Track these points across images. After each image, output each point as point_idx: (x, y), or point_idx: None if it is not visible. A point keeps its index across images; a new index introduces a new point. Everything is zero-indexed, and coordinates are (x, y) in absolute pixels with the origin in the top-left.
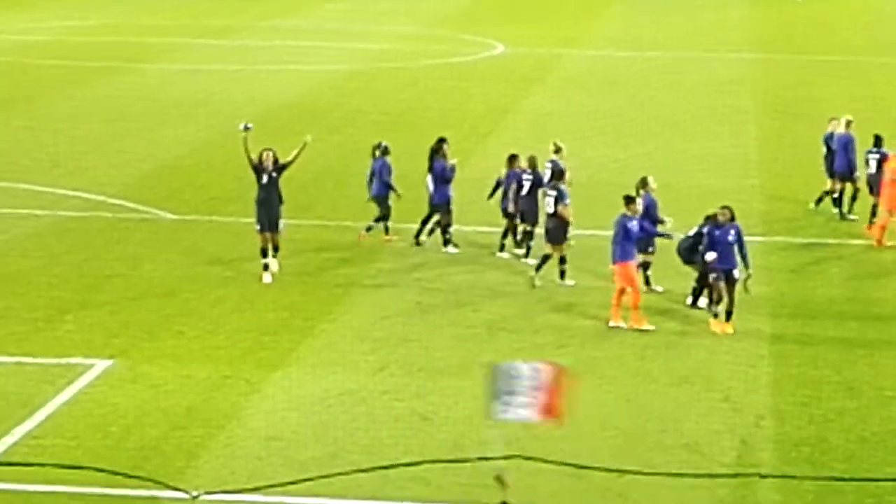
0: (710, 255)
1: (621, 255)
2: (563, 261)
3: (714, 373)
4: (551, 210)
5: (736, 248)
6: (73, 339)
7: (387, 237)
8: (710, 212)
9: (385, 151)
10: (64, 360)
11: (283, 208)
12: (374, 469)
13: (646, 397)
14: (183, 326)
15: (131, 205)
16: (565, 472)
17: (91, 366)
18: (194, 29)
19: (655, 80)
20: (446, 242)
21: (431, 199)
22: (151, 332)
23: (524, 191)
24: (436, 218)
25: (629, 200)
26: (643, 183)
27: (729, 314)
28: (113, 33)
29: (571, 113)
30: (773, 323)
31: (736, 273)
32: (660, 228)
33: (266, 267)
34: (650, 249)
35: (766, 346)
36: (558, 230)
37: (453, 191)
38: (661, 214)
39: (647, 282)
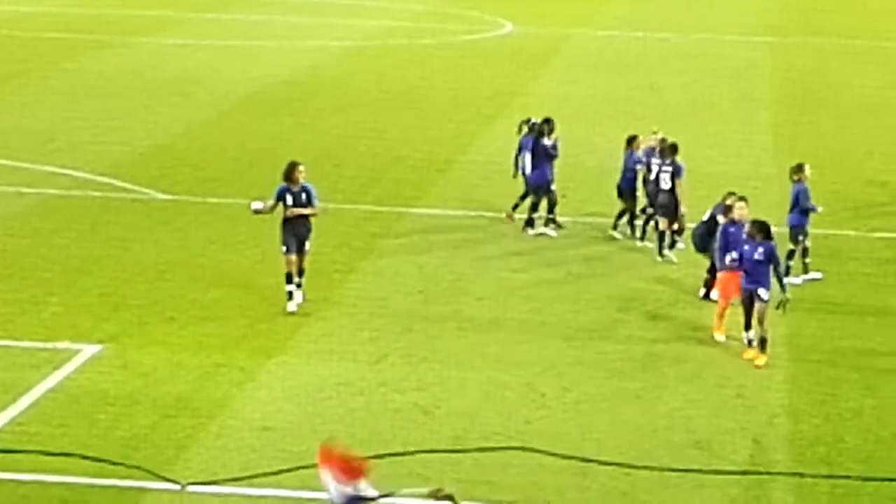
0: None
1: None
2: (670, 235)
3: (727, 369)
4: (667, 186)
5: (768, 267)
6: (60, 322)
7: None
8: (726, 192)
9: (532, 128)
10: (50, 345)
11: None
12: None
13: (655, 393)
14: (174, 312)
15: (121, 184)
16: (569, 469)
17: (78, 351)
18: (191, 2)
19: (667, 63)
20: (530, 223)
21: (528, 179)
22: (141, 317)
23: (652, 175)
24: (531, 199)
25: (727, 210)
26: (798, 168)
27: (763, 342)
28: (108, 6)
29: (581, 96)
30: (789, 318)
31: (763, 293)
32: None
33: (290, 295)
34: (801, 238)
35: (781, 341)
36: (672, 205)
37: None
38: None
39: None
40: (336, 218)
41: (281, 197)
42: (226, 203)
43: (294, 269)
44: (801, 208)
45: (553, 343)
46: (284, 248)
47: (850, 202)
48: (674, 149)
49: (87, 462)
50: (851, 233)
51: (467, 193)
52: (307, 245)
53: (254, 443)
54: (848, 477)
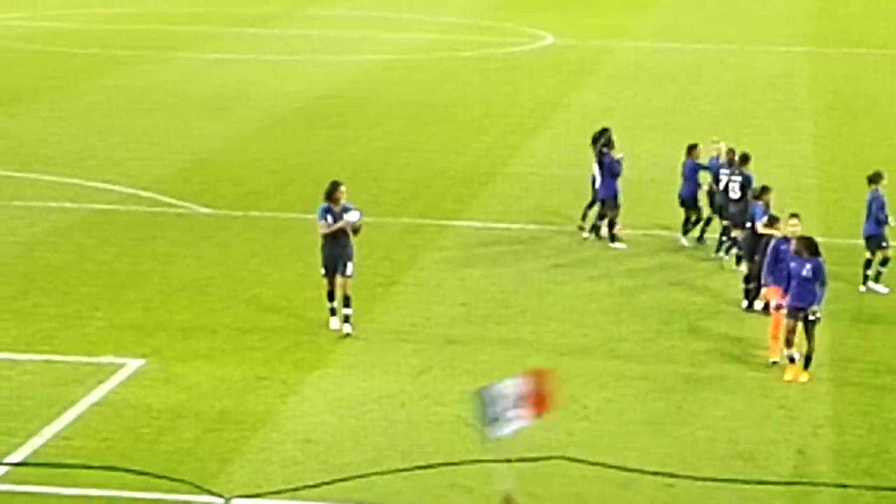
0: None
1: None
2: (738, 245)
3: (770, 380)
4: (736, 196)
5: (815, 284)
6: (104, 337)
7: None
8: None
9: (598, 140)
10: (94, 359)
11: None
12: (407, 470)
13: (697, 404)
14: (217, 325)
15: (164, 198)
16: (611, 480)
17: (122, 365)
18: (230, 17)
19: (706, 73)
20: (612, 238)
21: (597, 192)
22: (184, 331)
23: (721, 185)
24: (596, 210)
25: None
26: (877, 177)
27: (808, 359)
28: (146, 21)
29: (622, 107)
30: (832, 328)
31: (812, 311)
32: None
33: (333, 311)
34: (884, 245)
35: (824, 352)
36: (742, 215)
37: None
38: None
39: None
40: (378, 231)
41: (322, 217)
42: (267, 217)
43: (337, 291)
44: (875, 217)
45: (595, 355)
46: (323, 271)
47: (893, 212)
48: (744, 159)
49: (131, 476)
50: (895, 243)
51: (509, 206)
52: (349, 268)
53: (297, 455)
54: (893, 488)
